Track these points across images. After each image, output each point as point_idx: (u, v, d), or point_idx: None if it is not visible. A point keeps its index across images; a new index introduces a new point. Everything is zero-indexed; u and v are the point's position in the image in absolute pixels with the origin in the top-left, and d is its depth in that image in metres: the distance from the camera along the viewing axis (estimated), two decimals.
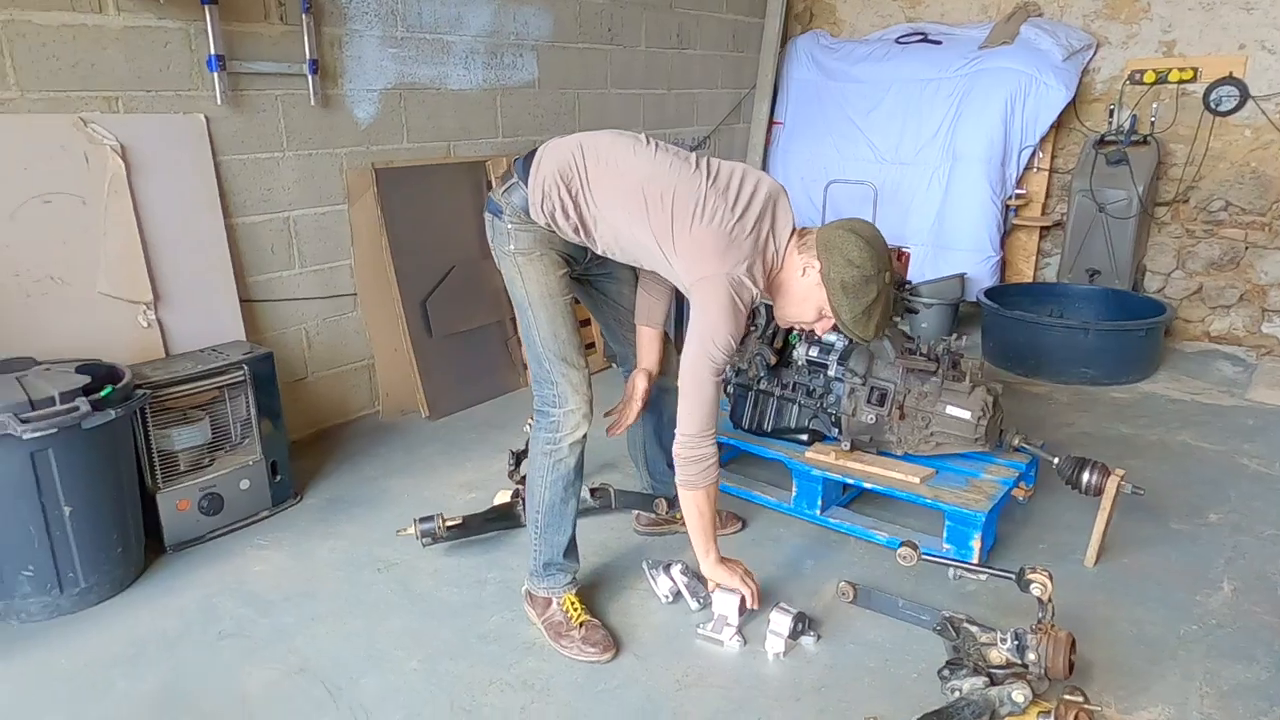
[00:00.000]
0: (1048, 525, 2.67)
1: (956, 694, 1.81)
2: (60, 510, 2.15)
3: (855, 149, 5.19)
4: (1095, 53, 4.72)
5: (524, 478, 2.42)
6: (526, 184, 1.94)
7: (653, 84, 4.72)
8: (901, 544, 2.06)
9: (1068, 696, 1.73)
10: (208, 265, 2.91)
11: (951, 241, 4.82)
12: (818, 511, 2.63)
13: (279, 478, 2.78)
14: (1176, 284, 4.69)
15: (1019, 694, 1.74)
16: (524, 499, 2.41)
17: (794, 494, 2.68)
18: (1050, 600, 1.86)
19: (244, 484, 2.68)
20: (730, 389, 2.91)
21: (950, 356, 2.55)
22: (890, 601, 2.17)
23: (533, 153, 1.97)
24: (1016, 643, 1.82)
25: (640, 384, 2.34)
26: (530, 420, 2.20)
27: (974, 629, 1.95)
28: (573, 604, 2.13)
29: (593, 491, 2.68)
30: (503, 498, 2.71)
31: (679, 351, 1.94)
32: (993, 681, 1.80)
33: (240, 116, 2.94)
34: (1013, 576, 1.92)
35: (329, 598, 2.32)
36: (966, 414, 2.46)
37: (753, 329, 2.80)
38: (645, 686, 1.96)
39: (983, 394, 2.47)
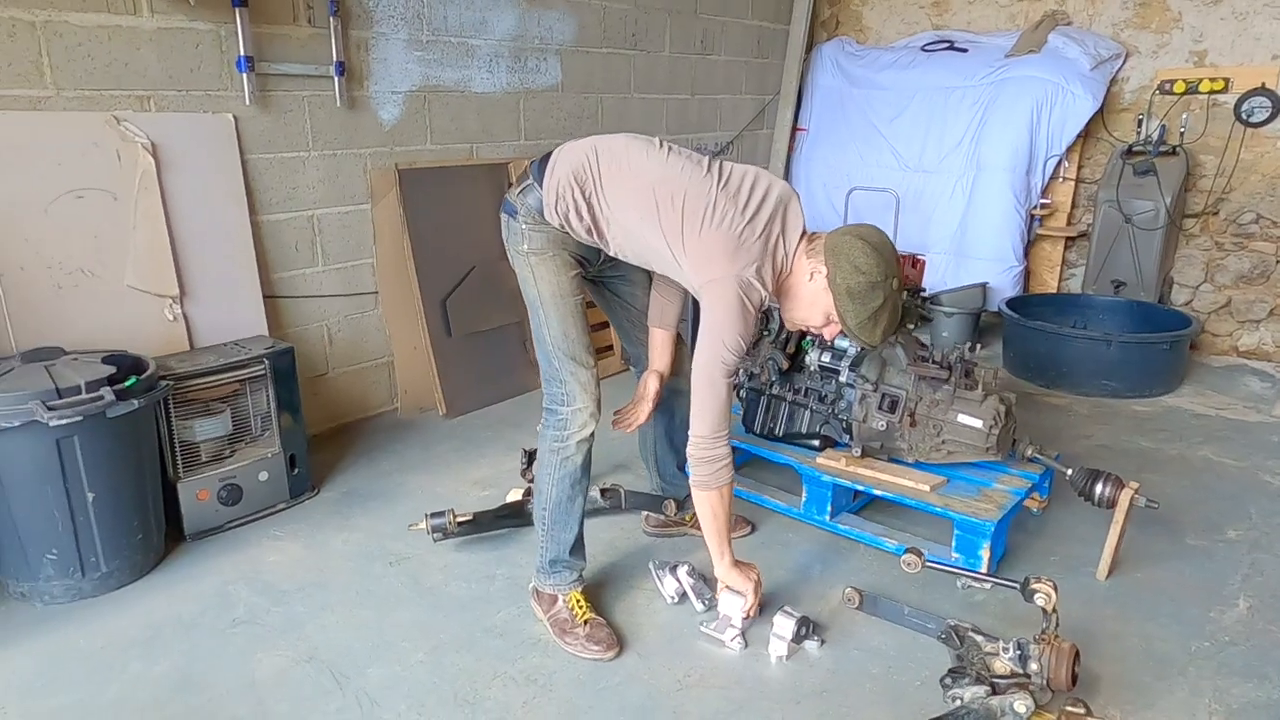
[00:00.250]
0: (1061, 537, 2.65)
1: (958, 702, 1.81)
2: (84, 496, 2.22)
3: (879, 156, 5.17)
4: (1124, 62, 4.67)
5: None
6: (541, 186, 1.97)
7: (676, 89, 4.74)
8: (906, 550, 2.06)
9: (1070, 708, 1.72)
10: (233, 261, 2.98)
11: (974, 250, 4.78)
12: (827, 517, 2.63)
13: (297, 471, 2.83)
14: (1204, 297, 4.61)
15: (1021, 704, 1.73)
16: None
17: (804, 499, 2.68)
18: (1055, 610, 1.85)
19: (263, 476, 2.73)
20: (742, 393, 2.92)
21: (963, 365, 2.54)
22: (896, 609, 2.17)
23: (548, 155, 2.01)
24: (1019, 652, 1.82)
25: (652, 385, 2.36)
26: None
27: (979, 638, 1.94)
28: (578, 601, 2.15)
29: (603, 492, 2.70)
30: (515, 495, 2.74)
31: (692, 353, 1.95)
32: (995, 691, 1.79)
33: (268, 116, 3.01)
34: (1017, 586, 1.91)
35: (340, 589, 2.37)
36: (978, 422, 2.44)
37: (765, 334, 2.80)
38: (646, 685, 1.98)
39: (995, 403, 2.46)
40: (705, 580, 2.31)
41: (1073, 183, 4.83)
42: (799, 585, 2.39)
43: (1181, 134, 4.44)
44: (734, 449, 2.86)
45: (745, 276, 1.84)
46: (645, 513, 2.67)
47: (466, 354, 3.69)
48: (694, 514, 2.60)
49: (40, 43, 2.47)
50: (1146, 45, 4.61)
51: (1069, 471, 2.50)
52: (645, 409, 2.37)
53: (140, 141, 2.67)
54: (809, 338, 2.76)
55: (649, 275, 2.27)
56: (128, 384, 2.25)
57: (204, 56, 2.80)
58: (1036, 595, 1.86)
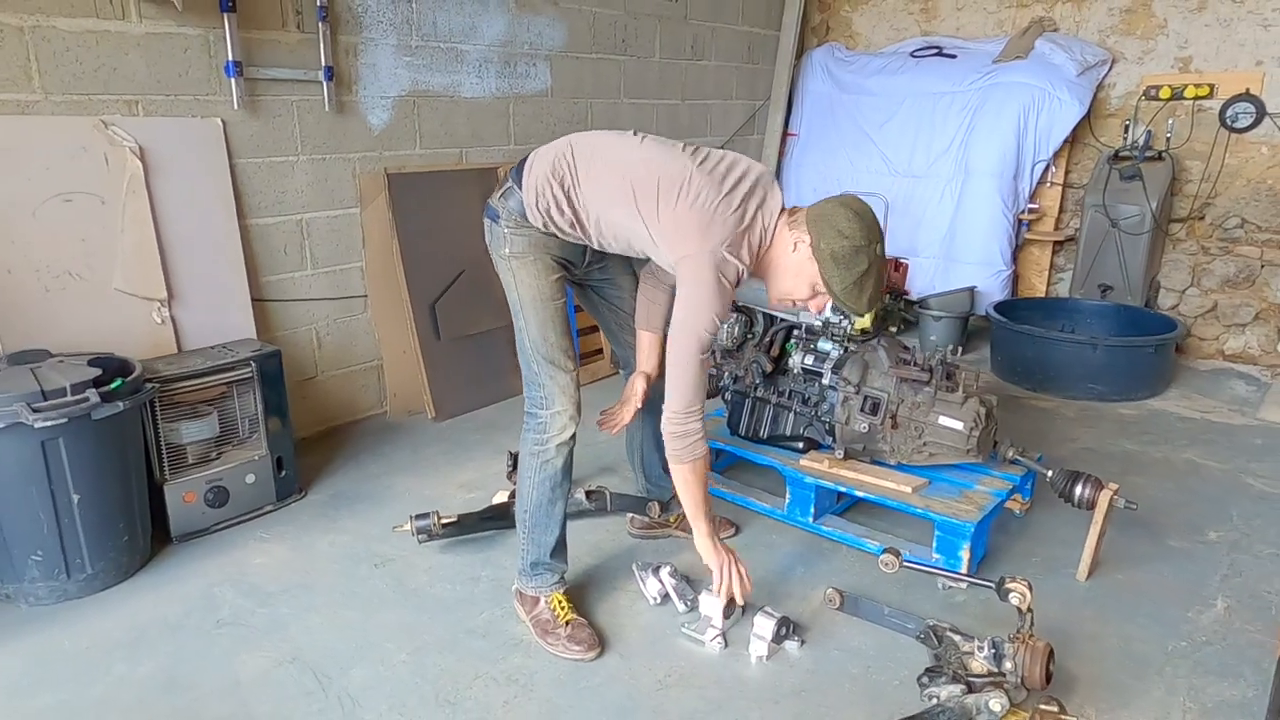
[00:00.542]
0: (1042, 539, 2.67)
1: (934, 701, 1.83)
2: (69, 498, 2.23)
3: (868, 161, 5.21)
4: (1110, 68, 4.71)
5: None
6: (521, 188, 1.99)
7: (666, 94, 4.77)
8: (884, 550, 2.08)
9: (1043, 706, 1.74)
10: (221, 265, 2.99)
11: (962, 255, 4.81)
12: (810, 519, 2.65)
13: (284, 473, 2.85)
14: (1191, 301, 4.64)
15: (996, 703, 1.75)
16: None
17: (788, 501, 2.70)
18: (1030, 610, 1.87)
19: (249, 478, 2.74)
20: (727, 396, 2.94)
21: (944, 367, 2.56)
22: (876, 609, 2.18)
23: (525, 160, 2.03)
24: (994, 651, 1.83)
25: (639, 386, 2.38)
26: None
27: (957, 638, 1.96)
28: (560, 603, 2.16)
29: (588, 494, 2.71)
30: (501, 498, 2.75)
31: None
32: (971, 690, 1.81)
33: (256, 121, 3.03)
34: (993, 586, 1.93)
35: (325, 590, 2.38)
36: (959, 425, 2.47)
37: (750, 337, 2.83)
38: (627, 685, 1.99)
39: (975, 405, 2.48)
40: (688, 581, 2.33)
41: (1060, 187, 4.87)
42: (781, 586, 2.41)
43: (1167, 139, 4.47)
44: (717, 450, 2.90)
45: (721, 252, 1.83)
46: (630, 515, 2.69)
47: (455, 357, 3.71)
48: (678, 515, 2.63)
49: (28, 47, 2.49)
50: (1132, 51, 4.65)
51: (1050, 473, 2.52)
52: (630, 410, 2.39)
53: (128, 146, 2.69)
54: (793, 340, 2.78)
55: (635, 279, 2.29)
56: (113, 386, 2.26)
57: (192, 61, 2.82)
58: (1011, 595, 1.88)
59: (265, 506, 2.80)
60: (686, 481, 2.01)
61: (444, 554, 2.56)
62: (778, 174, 5.61)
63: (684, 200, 1.86)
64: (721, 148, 2.06)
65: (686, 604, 2.26)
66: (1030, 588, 1.88)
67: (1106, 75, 4.71)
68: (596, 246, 2.06)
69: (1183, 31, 4.46)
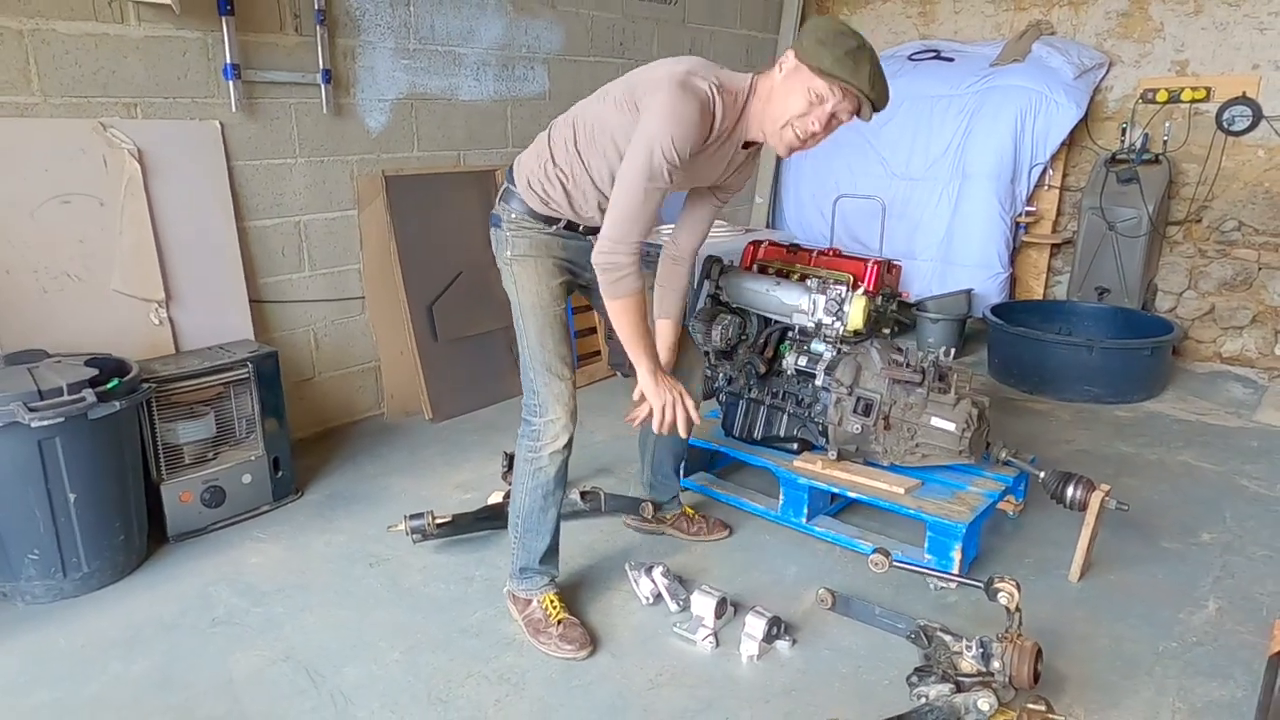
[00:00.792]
0: (1035, 540, 2.67)
1: (923, 700, 1.83)
2: (65, 497, 2.24)
3: (866, 164, 5.21)
4: (1107, 71, 4.72)
5: None
6: (515, 185, 2.03)
7: None
8: (874, 550, 2.09)
9: (1030, 705, 1.74)
10: (219, 266, 3.01)
11: (960, 257, 4.82)
12: (803, 520, 2.66)
13: (281, 473, 2.86)
14: (1188, 304, 4.65)
15: (984, 702, 1.76)
16: None
17: (781, 502, 2.71)
18: (1018, 610, 1.88)
19: (246, 478, 2.76)
20: (722, 397, 2.95)
21: (937, 369, 2.57)
22: (867, 609, 2.19)
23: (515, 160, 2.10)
24: (982, 650, 1.84)
25: None
26: None
27: (947, 637, 1.96)
28: (552, 603, 2.17)
29: (583, 494, 2.72)
30: (496, 498, 2.77)
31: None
32: (960, 689, 1.82)
33: (254, 123, 3.05)
34: (982, 586, 1.94)
35: (320, 590, 2.39)
36: (951, 426, 2.47)
37: (744, 338, 2.84)
38: (618, 684, 2.00)
39: (967, 406, 2.49)
40: (680, 582, 2.34)
41: (1058, 190, 4.87)
42: (774, 586, 2.42)
43: (1164, 142, 4.48)
44: (712, 451, 2.90)
45: (689, 80, 1.78)
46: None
47: (453, 359, 3.72)
48: (673, 515, 2.65)
49: (28, 50, 2.51)
50: (1129, 55, 4.66)
51: (1042, 474, 2.53)
52: (645, 407, 2.34)
53: (127, 148, 2.71)
54: (786, 341, 2.78)
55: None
56: (110, 386, 2.28)
57: (191, 64, 2.84)
58: (999, 594, 1.89)
59: (262, 507, 2.82)
60: (617, 318, 1.95)
61: (438, 554, 2.58)
62: (775, 178, 5.63)
63: (645, 69, 1.91)
64: None
65: (679, 604, 2.27)
66: (1018, 588, 1.89)
67: (1103, 78, 4.72)
68: (597, 205, 2.00)
69: (1179, 35, 4.47)
